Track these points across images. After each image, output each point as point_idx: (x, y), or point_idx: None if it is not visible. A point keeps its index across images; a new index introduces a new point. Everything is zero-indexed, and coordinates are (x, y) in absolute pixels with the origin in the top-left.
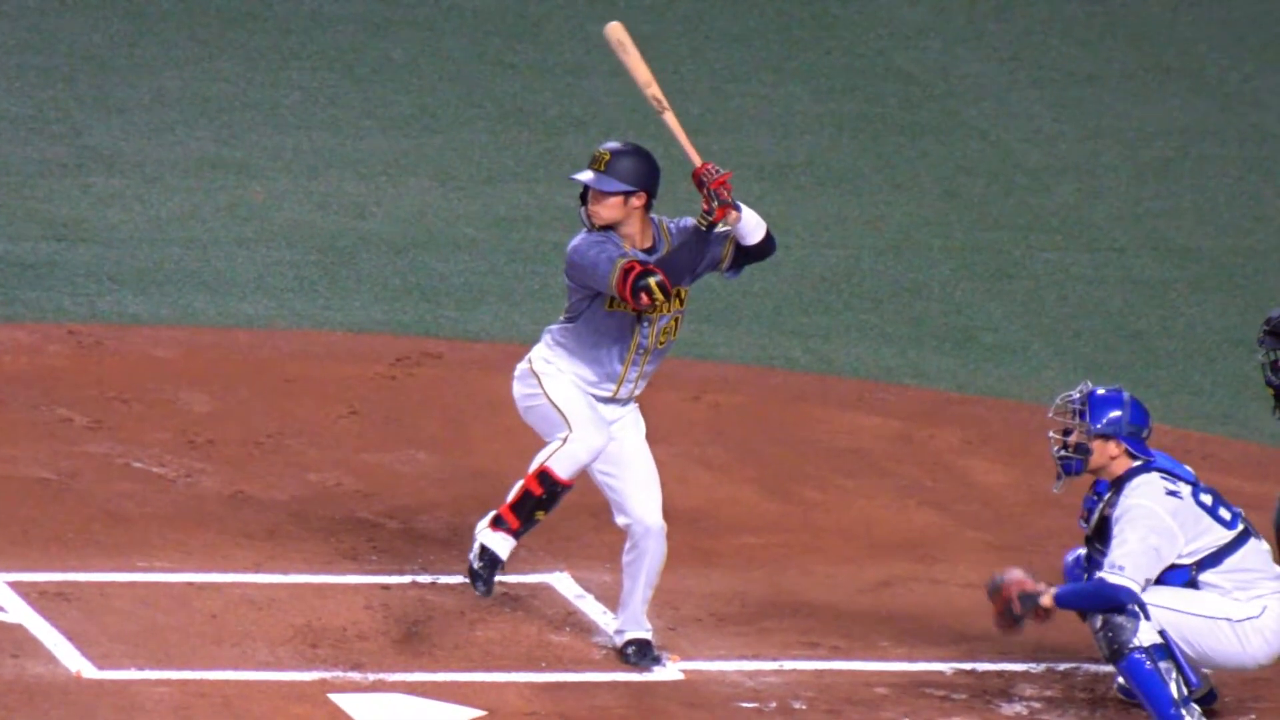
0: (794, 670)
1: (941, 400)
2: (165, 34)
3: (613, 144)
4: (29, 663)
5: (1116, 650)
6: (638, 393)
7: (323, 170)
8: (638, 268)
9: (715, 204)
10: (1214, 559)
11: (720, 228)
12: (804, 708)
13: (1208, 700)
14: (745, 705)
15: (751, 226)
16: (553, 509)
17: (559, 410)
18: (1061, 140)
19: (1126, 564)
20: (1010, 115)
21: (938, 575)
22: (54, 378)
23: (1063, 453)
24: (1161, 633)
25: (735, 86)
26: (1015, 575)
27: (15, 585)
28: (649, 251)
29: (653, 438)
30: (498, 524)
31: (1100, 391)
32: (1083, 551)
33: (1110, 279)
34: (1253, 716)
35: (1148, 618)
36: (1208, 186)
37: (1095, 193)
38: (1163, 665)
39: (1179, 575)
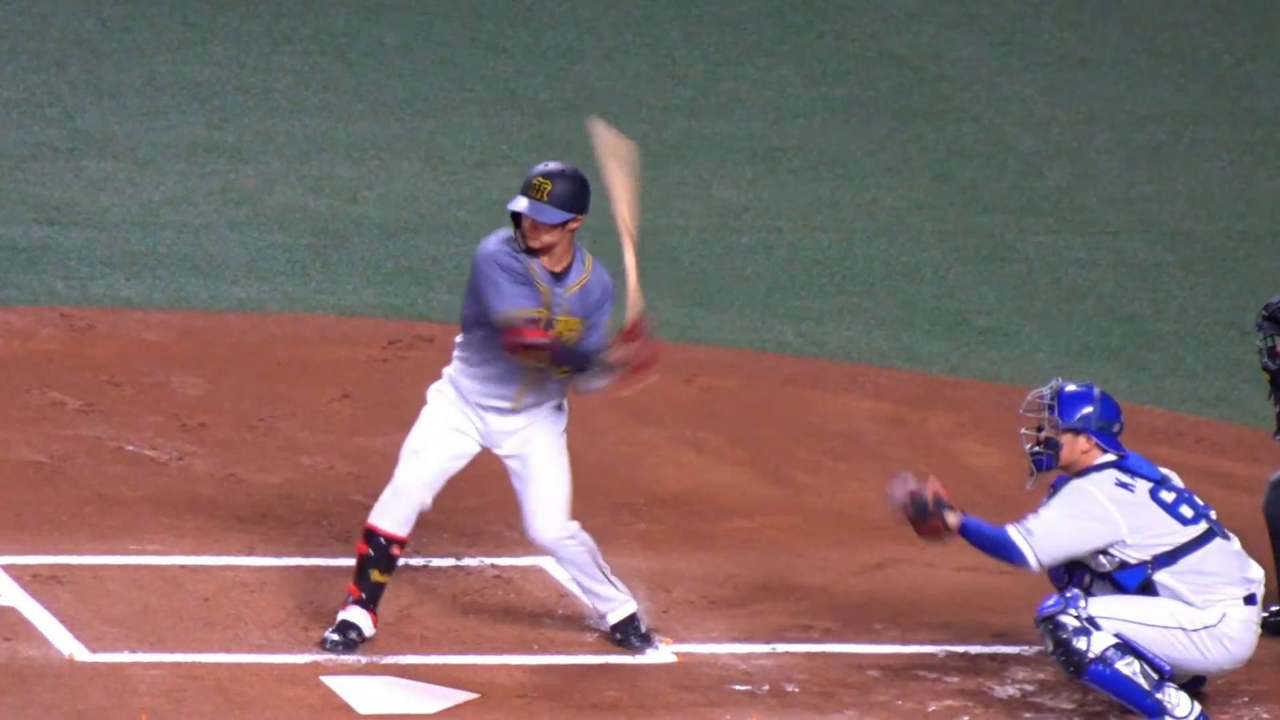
0: (786, 653)
1: (934, 383)
2: (157, 18)
3: (549, 167)
4: (22, 646)
5: (1075, 669)
6: (539, 403)
7: (315, 154)
8: (526, 337)
9: (633, 363)
10: (1170, 557)
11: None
12: (796, 690)
13: (1196, 683)
14: (738, 688)
15: (593, 385)
16: (392, 569)
17: (405, 450)
18: (1054, 124)
19: (1037, 530)
20: (1003, 99)
21: (930, 558)
22: (46, 361)
23: (1034, 448)
24: (1116, 634)
25: (727, 70)
26: (934, 485)
27: (8, 568)
28: (560, 275)
29: (644, 420)
30: (346, 601)
31: (1070, 387)
32: None
33: (1103, 262)
34: (1245, 699)
35: (1098, 628)
36: (1200, 170)
37: (1088, 176)
38: (1122, 663)
39: (1134, 575)
